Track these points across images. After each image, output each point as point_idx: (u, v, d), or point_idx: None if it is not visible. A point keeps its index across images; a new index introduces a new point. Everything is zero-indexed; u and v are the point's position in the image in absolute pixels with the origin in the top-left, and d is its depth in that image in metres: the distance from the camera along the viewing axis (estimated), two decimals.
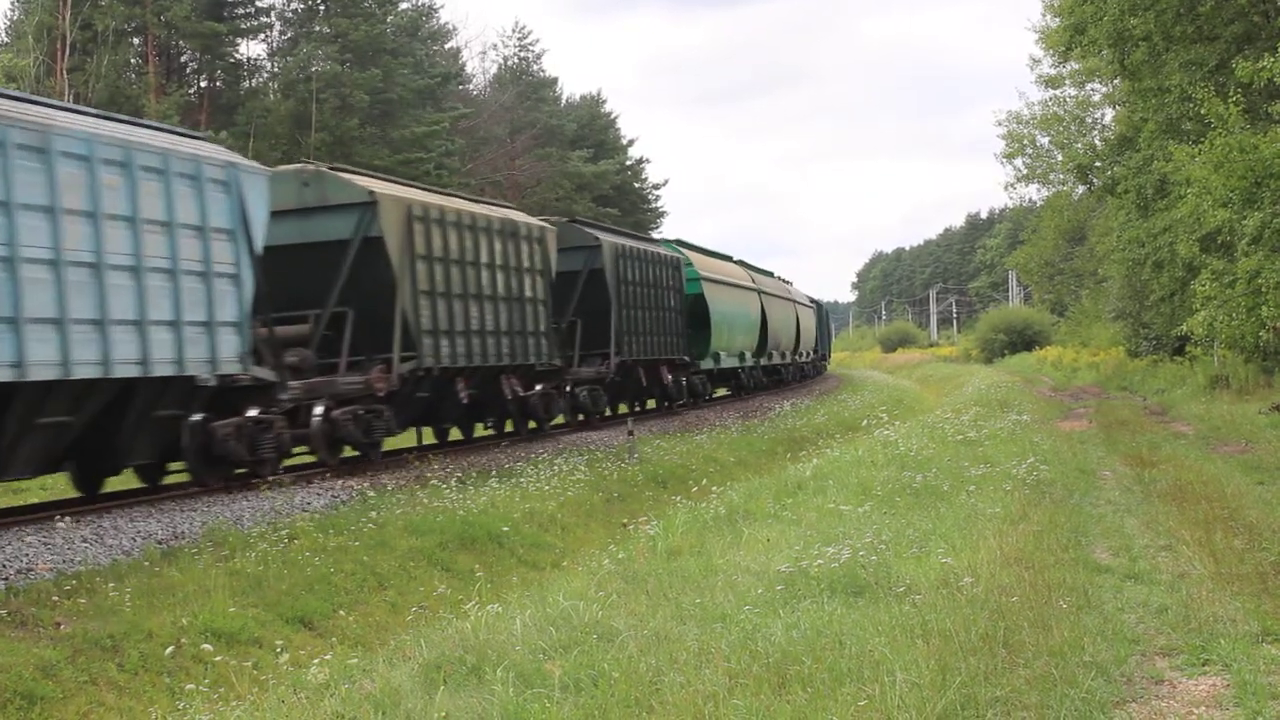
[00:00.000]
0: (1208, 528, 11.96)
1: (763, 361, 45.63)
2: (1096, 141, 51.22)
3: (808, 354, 58.53)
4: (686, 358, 34.86)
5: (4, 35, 50.03)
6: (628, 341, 29.84)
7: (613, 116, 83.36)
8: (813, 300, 64.83)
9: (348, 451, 20.15)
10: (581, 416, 28.92)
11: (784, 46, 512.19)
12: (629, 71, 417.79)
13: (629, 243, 31.68)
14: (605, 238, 29.75)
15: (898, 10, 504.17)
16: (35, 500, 17.71)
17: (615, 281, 29.31)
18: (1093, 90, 54.48)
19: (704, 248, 43.63)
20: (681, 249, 37.93)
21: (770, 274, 53.41)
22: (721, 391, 43.82)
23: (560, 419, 27.55)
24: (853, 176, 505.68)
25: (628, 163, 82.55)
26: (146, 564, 12.20)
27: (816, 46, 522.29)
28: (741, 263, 47.48)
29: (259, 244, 17.06)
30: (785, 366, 51.27)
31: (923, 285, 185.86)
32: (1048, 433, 23.77)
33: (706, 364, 37.13)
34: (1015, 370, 66.00)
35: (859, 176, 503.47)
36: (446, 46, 65.93)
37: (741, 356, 41.42)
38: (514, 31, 76.87)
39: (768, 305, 45.79)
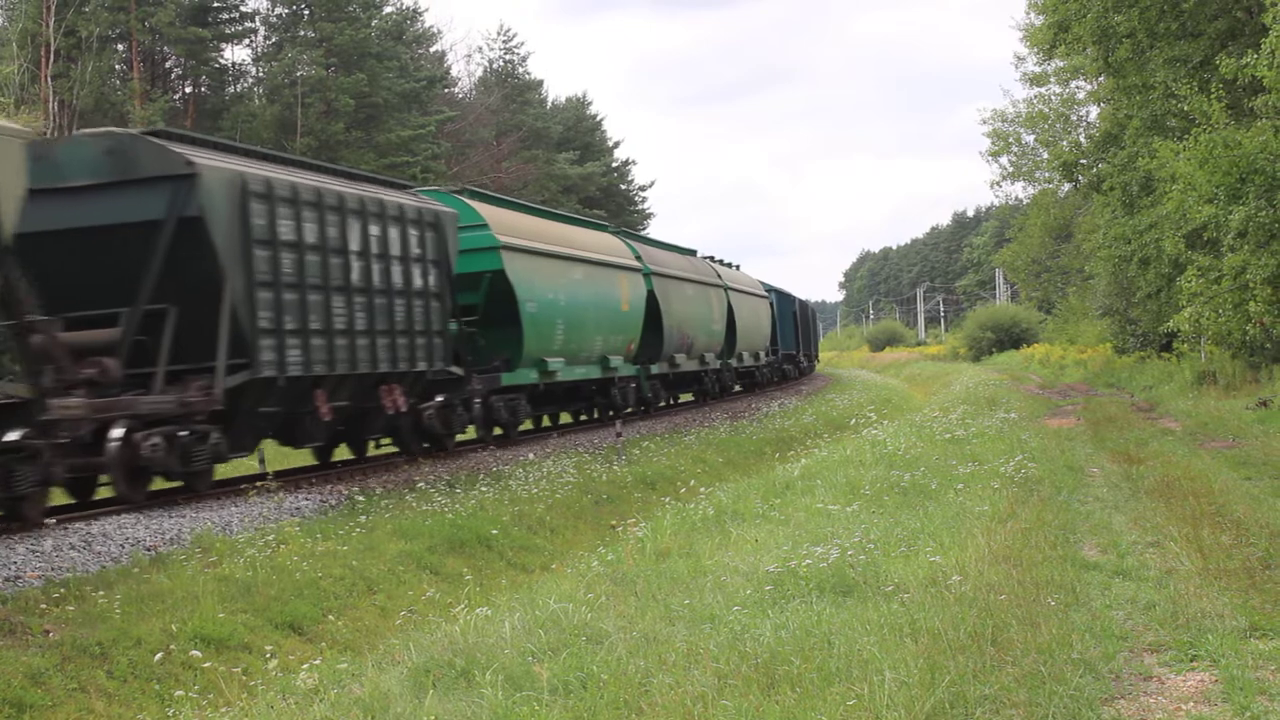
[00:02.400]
0: (1195, 523, 11.98)
1: (656, 369, 33.00)
2: (1081, 139, 51.38)
3: (760, 356, 46.48)
4: (457, 370, 21.90)
5: None
6: (279, 345, 17.07)
7: (599, 118, 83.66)
8: (771, 290, 52.71)
9: None
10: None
11: (771, 47, 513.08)
12: (616, 73, 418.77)
13: (283, 175, 17.65)
14: (211, 161, 16.45)
15: (884, 10, 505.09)
16: None
17: (238, 240, 16.49)
18: (1077, 88, 54.81)
19: (530, 205, 30.90)
20: (469, 201, 24.64)
21: (691, 252, 42.25)
22: (581, 417, 31.68)
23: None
24: (840, 176, 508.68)
25: (614, 164, 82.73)
26: (135, 570, 12.17)
27: (804, 47, 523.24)
28: (624, 232, 35.44)
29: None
30: (707, 374, 39.18)
31: (910, 284, 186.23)
32: (1035, 430, 23.80)
33: (521, 377, 24.52)
34: (1003, 368, 66.12)
35: (846, 176, 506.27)
36: (431, 50, 66.00)
37: (604, 364, 28.86)
38: (499, 34, 77.03)
39: (666, 292, 33.51)
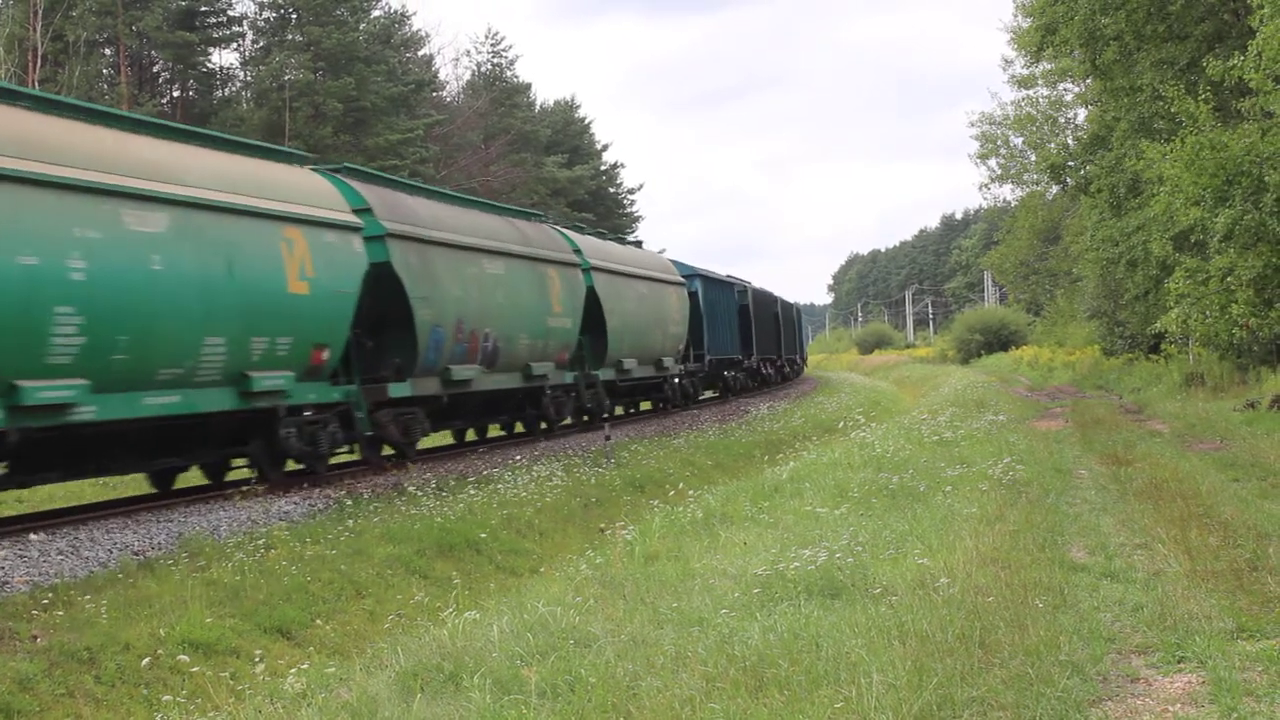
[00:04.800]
0: (1183, 525, 12.00)
1: (403, 391, 20.21)
2: (1069, 141, 51.49)
3: (665, 364, 34.27)
4: None
5: None
6: None
7: (587, 122, 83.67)
8: (695, 275, 40.38)
9: None
10: None
11: (761, 51, 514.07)
12: (609, 77, 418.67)
13: None
14: None
15: (874, 14, 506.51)
16: (10, 513, 17.60)
17: None
18: (1065, 90, 54.93)
19: (36, 94, 15.35)
20: None
21: (537, 216, 29.80)
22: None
23: None
24: (829, 179, 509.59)
25: (603, 167, 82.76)
26: (123, 576, 12.15)
27: (793, 51, 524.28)
28: (348, 169, 21.40)
29: None
30: (545, 393, 26.54)
31: (899, 287, 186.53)
32: (1024, 432, 23.81)
33: None
34: (991, 370, 66.19)
35: (835, 179, 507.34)
36: (419, 54, 65.96)
37: (244, 385, 16.44)
38: (487, 38, 76.92)
39: (427, 267, 21.04)
